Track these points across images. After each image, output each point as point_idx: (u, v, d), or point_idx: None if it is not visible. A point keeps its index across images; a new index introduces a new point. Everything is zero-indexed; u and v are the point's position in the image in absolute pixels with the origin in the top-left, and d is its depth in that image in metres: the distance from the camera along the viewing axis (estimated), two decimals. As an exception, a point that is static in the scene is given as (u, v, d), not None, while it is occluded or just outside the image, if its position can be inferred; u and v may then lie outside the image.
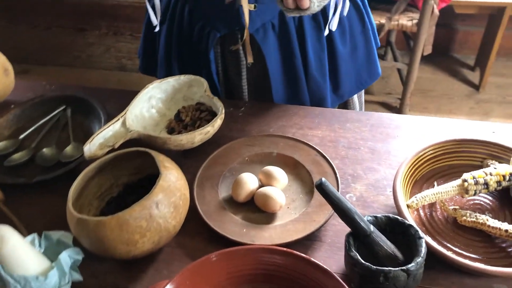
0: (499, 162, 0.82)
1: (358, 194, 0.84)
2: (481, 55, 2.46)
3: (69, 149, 0.96)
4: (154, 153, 0.79)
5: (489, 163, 0.82)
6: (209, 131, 0.88)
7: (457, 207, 0.78)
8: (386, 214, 0.71)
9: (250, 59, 1.00)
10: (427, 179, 0.83)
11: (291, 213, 0.81)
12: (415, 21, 1.94)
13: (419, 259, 0.64)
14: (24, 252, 0.69)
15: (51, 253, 0.74)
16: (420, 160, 0.83)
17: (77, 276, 0.74)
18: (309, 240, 0.77)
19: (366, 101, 2.33)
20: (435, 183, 0.82)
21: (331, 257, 0.75)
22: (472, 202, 0.79)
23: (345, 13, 1.00)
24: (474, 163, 0.84)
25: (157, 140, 0.87)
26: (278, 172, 0.83)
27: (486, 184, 0.76)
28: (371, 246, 0.68)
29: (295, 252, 0.67)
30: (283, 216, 0.80)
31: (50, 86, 1.17)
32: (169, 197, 0.73)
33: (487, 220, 0.73)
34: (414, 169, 0.82)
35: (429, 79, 2.52)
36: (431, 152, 0.84)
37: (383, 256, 0.67)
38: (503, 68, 2.57)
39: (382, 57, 2.57)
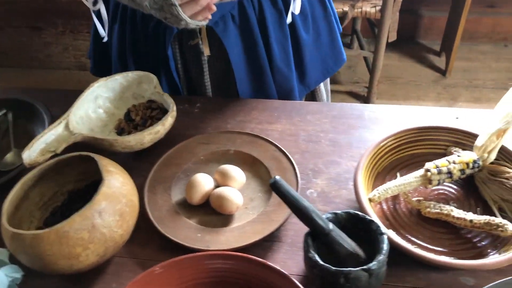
0: (463, 149, 0.79)
1: (319, 189, 0.80)
2: (446, 40, 2.46)
3: (9, 156, 0.89)
4: (97, 157, 0.73)
5: (452, 151, 0.79)
6: (159, 131, 0.83)
7: (421, 198, 0.75)
8: (346, 210, 0.67)
9: (207, 52, 0.95)
10: (390, 170, 0.80)
11: (249, 213, 0.76)
12: (378, 8, 1.91)
13: (381, 257, 0.61)
14: (-49, 274, 0.62)
15: (-13, 272, 0.68)
16: (382, 151, 0.79)
17: (17, 295, 0.68)
18: (269, 241, 0.73)
19: (333, 91, 2.31)
20: (398, 174, 0.78)
21: (291, 258, 0.71)
22: (436, 192, 0.76)
23: None
24: (437, 151, 0.81)
25: (103, 142, 0.81)
26: (234, 171, 0.79)
27: (449, 173, 0.72)
28: (331, 245, 0.63)
29: (248, 256, 0.63)
30: (241, 217, 0.76)
31: (-8, 89, 1.09)
32: (113, 205, 0.67)
33: (452, 210, 0.70)
34: (375, 160, 0.79)
35: (395, 66, 2.51)
36: (393, 142, 0.80)
37: (344, 255, 0.63)
38: (468, 52, 2.57)
39: (349, 45, 2.55)
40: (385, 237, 0.63)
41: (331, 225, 0.63)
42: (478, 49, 2.60)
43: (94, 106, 0.91)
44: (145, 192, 0.79)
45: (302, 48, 0.99)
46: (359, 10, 1.92)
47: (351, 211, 0.67)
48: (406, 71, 2.47)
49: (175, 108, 0.86)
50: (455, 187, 0.77)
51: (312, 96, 1.15)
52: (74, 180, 0.80)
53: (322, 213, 0.65)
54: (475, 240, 0.69)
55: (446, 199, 0.75)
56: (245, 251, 0.68)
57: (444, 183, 0.76)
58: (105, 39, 1.01)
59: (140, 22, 0.95)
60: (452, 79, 2.43)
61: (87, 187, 0.80)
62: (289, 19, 0.94)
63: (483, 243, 0.69)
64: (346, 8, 1.91)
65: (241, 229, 0.73)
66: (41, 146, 0.80)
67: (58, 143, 0.81)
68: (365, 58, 2.27)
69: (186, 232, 0.73)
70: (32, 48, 2.67)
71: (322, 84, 1.13)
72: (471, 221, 0.68)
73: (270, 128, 0.92)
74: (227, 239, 0.71)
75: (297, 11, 0.95)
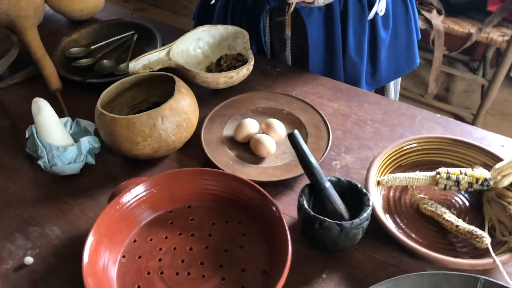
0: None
1: (344, 163, 0.91)
2: None
3: (123, 65, 1.13)
4: (177, 79, 0.92)
5: (476, 168, 0.84)
6: (233, 77, 1.00)
7: (426, 196, 0.82)
8: (349, 179, 0.78)
9: (288, 30, 1.08)
10: (413, 167, 0.87)
11: (277, 161, 0.90)
12: (506, 38, 1.85)
13: (356, 220, 0.71)
14: (54, 125, 0.87)
15: (78, 137, 0.92)
16: (411, 147, 0.87)
17: (91, 159, 0.91)
18: (282, 187, 0.86)
19: (439, 109, 2.28)
20: (418, 171, 0.86)
21: (295, 205, 0.83)
22: (444, 196, 0.83)
23: None
24: (465, 166, 0.87)
25: (188, 72, 1.01)
26: (277, 125, 0.93)
27: (457, 182, 0.79)
28: (322, 200, 0.75)
29: (238, 176, 0.79)
30: (269, 161, 0.90)
31: (132, 14, 1.35)
32: (174, 116, 0.86)
33: (445, 213, 0.77)
34: (401, 153, 0.87)
35: (512, 102, 2.38)
36: (424, 142, 0.87)
37: (330, 211, 0.75)
38: None
39: (474, 71, 2.47)
40: (369, 208, 0.73)
41: (327, 184, 0.75)
42: None
43: (195, 45, 1.11)
44: (206, 120, 0.97)
45: (378, 45, 1.08)
46: (485, 35, 1.88)
47: (353, 181, 0.78)
48: (525, 112, 2.34)
49: (252, 63, 1.02)
50: (464, 200, 0.83)
51: (382, 93, 1.23)
52: (160, 95, 1.01)
53: (332, 177, 0.77)
54: (458, 245, 0.76)
55: (449, 205, 0.81)
56: (261, 186, 0.83)
57: (458, 193, 0.83)
58: (213, 1, 1.18)
59: None
60: None
61: (166, 103, 1.01)
62: (370, 16, 1.04)
63: (463, 250, 0.75)
64: (472, 30, 1.89)
65: (264, 169, 0.88)
66: (144, 62, 1.02)
67: (157, 63, 1.02)
68: (482, 86, 2.20)
69: (223, 157, 0.90)
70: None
71: (392, 84, 1.21)
72: (457, 226, 0.75)
73: (328, 104, 1.04)
74: (249, 172, 0.87)
75: (381, 13, 1.04)
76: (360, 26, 1.07)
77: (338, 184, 0.78)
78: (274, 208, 0.74)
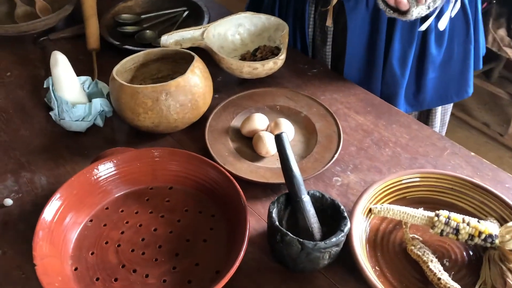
0: (500, 225, 0.72)
1: (345, 181, 0.83)
2: None
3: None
4: (197, 58, 0.90)
5: (489, 220, 0.73)
6: (257, 68, 0.96)
7: (420, 238, 0.73)
8: (334, 198, 0.71)
9: (329, 22, 1.01)
10: (418, 203, 0.78)
11: (274, 163, 0.85)
12: None
13: (320, 243, 0.64)
14: (68, 80, 0.89)
15: (94, 97, 0.94)
16: (420, 180, 0.78)
17: (99, 121, 0.92)
18: (272, 191, 0.81)
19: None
20: (421, 209, 0.76)
21: (276, 212, 0.78)
22: (441, 243, 0.73)
23: (453, 14, 0.93)
24: (477, 215, 0.75)
25: (215, 56, 0.98)
26: (286, 126, 0.87)
27: (457, 230, 0.68)
28: (295, 212, 0.70)
29: (211, 161, 0.78)
30: (266, 162, 0.85)
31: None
32: (179, 94, 0.84)
33: (431, 261, 0.67)
34: (407, 185, 0.78)
35: None
36: (436, 178, 0.77)
37: (301, 226, 0.69)
38: None
39: None
40: (341, 234, 0.66)
41: (305, 197, 0.69)
42: None
43: (234, 31, 1.08)
44: (218, 106, 0.94)
45: (427, 61, 0.98)
46: None
47: (336, 201, 0.71)
48: None
49: (281, 57, 0.97)
50: (463, 250, 0.72)
51: (425, 121, 1.11)
52: (183, 72, 1.00)
53: (316, 191, 0.71)
54: (437, 301, 0.66)
55: (443, 254, 0.71)
56: (247, 185, 0.79)
57: (458, 242, 0.72)
58: None
59: None
60: None
61: (188, 82, 1.00)
62: (423, 27, 0.93)
63: (441, 307, 0.65)
64: None
65: (257, 168, 0.83)
66: (177, 37, 1.02)
67: (189, 41, 1.01)
68: None
69: (220, 147, 0.87)
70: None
71: (439, 111, 1.09)
72: (439, 279, 0.65)
73: (353, 116, 0.96)
74: (240, 168, 0.83)
75: (442, 28, 0.93)
76: (409, 35, 0.97)
77: (321, 201, 0.72)
78: (243, 205, 0.70)
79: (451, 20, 0.95)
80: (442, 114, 1.11)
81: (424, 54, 0.98)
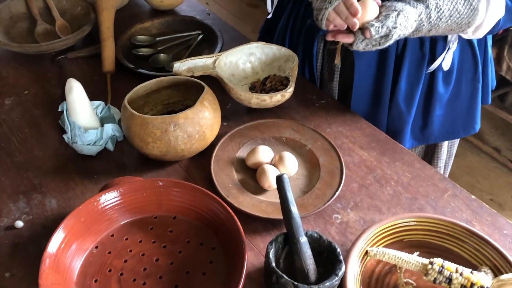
0: (495, 276, 0.73)
1: (345, 219, 0.85)
2: None
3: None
4: (206, 89, 0.93)
5: (482, 269, 0.74)
6: (265, 100, 0.98)
7: (414, 283, 0.74)
8: (331, 240, 0.73)
9: (337, 61, 1.03)
10: (415, 247, 0.79)
11: (276, 197, 0.86)
12: None
13: (314, 287, 0.66)
14: (82, 106, 0.92)
15: (106, 121, 0.97)
16: (418, 224, 0.79)
17: (110, 146, 0.96)
18: (272, 226, 0.84)
19: None
20: (416, 253, 0.78)
21: (275, 248, 0.80)
22: (434, 290, 0.74)
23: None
24: (472, 262, 0.77)
25: (225, 85, 1.01)
26: (290, 161, 0.90)
27: (449, 279, 0.70)
28: (292, 253, 0.72)
29: (210, 192, 0.79)
30: (269, 195, 0.88)
31: (209, 14, 1.39)
32: (187, 126, 0.87)
33: (423, 309, 0.69)
34: (404, 228, 0.79)
35: None
36: (429, 224, 0.79)
37: (297, 268, 0.71)
38: None
39: None
40: (335, 278, 0.68)
41: (302, 239, 0.71)
42: None
43: (246, 59, 1.11)
44: (225, 136, 0.97)
45: (433, 100, 0.99)
46: None
47: (333, 243, 0.73)
48: None
49: (289, 90, 0.99)
50: (458, 300, 0.73)
51: (431, 154, 1.12)
52: (195, 99, 1.02)
53: (314, 232, 0.73)
54: None
55: (436, 301, 0.73)
56: (249, 218, 0.82)
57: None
58: (269, 16, 1.16)
59: (301, 17, 1.08)
60: None
61: (198, 109, 1.02)
62: (431, 69, 0.94)
63: None
64: None
65: (259, 202, 0.85)
66: (189, 65, 1.04)
67: (201, 69, 1.04)
68: None
69: (224, 178, 0.89)
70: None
71: (446, 147, 1.10)
72: (428, 328, 0.67)
73: (357, 151, 0.97)
74: (242, 201, 0.85)
75: (446, 68, 0.94)
76: (416, 76, 0.98)
77: (318, 242, 0.74)
78: (242, 241, 0.72)
79: (460, 59, 0.97)
80: (449, 147, 1.13)
81: (431, 93, 1.00)
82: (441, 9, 0.81)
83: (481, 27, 0.87)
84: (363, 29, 0.83)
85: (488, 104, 1.06)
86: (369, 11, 0.83)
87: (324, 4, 0.84)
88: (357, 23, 0.80)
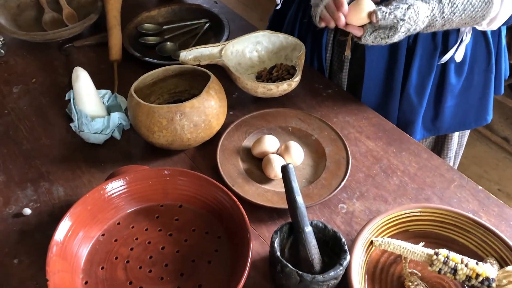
0: (500, 267, 0.73)
1: (351, 209, 0.85)
2: None
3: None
4: (213, 78, 0.92)
5: (488, 260, 0.74)
6: (271, 89, 0.97)
7: (419, 273, 0.74)
8: (336, 230, 0.73)
9: (348, 52, 1.02)
10: (421, 237, 0.79)
11: (282, 187, 0.86)
12: None
13: (319, 276, 0.67)
14: (88, 94, 0.93)
15: (113, 110, 0.97)
16: (424, 214, 0.79)
17: (117, 134, 0.96)
18: (278, 215, 0.84)
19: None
20: (422, 243, 0.78)
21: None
22: (439, 280, 0.74)
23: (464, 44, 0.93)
24: (478, 253, 0.76)
25: (231, 74, 1.01)
26: (296, 150, 0.89)
27: (454, 270, 0.70)
28: (296, 243, 0.72)
29: (215, 182, 0.80)
30: (274, 185, 0.88)
31: (216, 2, 1.38)
32: (193, 115, 0.87)
33: (427, 299, 0.69)
34: (410, 219, 0.79)
35: None
36: (434, 214, 0.78)
37: (301, 257, 0.71)
38: None
39: None
40: (340, 268, 0.68)
41: (307, 229, 0.71)
42: None
43: (252, 48, 1.10)
44: (231, 125, 0.97)
45: (445, 91, 0.98)
46: None
47: (338, 233, 0.73)
48: None
49: (296, 79, 0.98)
50: (463, 290, 0.73)
51: (441, 144, 1.11)
52: (201, 88, 1.02)
53: (319, 222, 0.73)
54: (430, 338, 0.68)
55: (441, 292, 0.73)
56: (254, 207, 0.82)
57: (457, 281, 0.73)
58: (278, 7, 1.15)
59: (311, 7, 1.07)
60: None
61: (204, 98, 1.02)
62: (443, 60, 0.93)
63: None
64: None
65: (264, 191, 0.85)
66: (195, 54, 1.04)
67: (207, 58, 1.04)
68: None
69: (230, 168, 0.89)
70: None
71: (456, 137, 1.08)
72: (433, 318, 0.67)
73: (364, 141, 0.97)
74: (248, 190, 0.85)
75: (458, 59, 0.93)
76: (427, 67, 0.97)
77: (323, 232, 0.74)
78: (247, 230, 0.73)
79: (472, 49, 0.95)
80: (460, 137, 1.12)
81: (443, 84, 0.99)
82: (454, 3, 0.79)
83: (495, 19, 0.85)
84: (370, 16, 0.82)
85: (500, 94, 1.05)
86: (364, 9, 0.81)
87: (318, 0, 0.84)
88: (341, 17, 0.80)
